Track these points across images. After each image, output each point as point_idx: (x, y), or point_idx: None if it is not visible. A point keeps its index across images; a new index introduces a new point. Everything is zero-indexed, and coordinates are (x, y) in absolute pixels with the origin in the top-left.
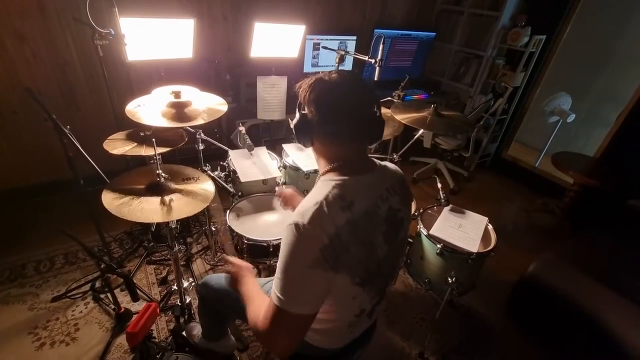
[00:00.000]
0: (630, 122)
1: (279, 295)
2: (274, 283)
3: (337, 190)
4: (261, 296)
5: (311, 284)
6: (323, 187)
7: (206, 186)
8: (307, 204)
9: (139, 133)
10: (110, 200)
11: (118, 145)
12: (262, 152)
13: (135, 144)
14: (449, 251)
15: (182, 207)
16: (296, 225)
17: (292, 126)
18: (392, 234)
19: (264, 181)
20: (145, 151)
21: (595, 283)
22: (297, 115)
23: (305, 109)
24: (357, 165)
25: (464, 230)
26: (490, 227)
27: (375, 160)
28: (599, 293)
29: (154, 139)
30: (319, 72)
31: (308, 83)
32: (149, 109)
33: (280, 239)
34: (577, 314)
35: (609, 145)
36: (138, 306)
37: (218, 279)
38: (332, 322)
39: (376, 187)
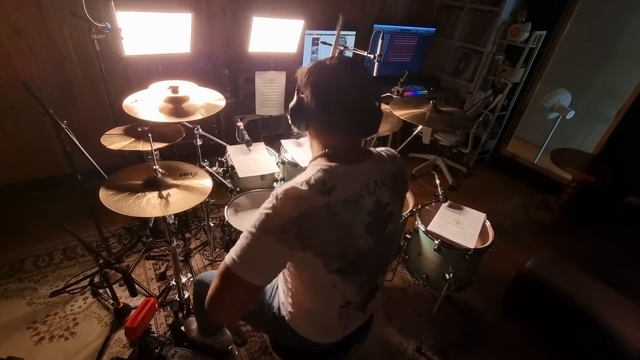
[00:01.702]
0: (630, 119)
1: (233, 256)
2: (233, 247)
3: (321, 174)
4: None
5: (267, 251)
6: (309, 170)
7: (203, 181)
8: (291, 182)
9: (136, 128)
10: (107, 195)
11: (115, 141)
12: (261, 148)
13: (133, 139)
14: (446, 247)
15: (179, 201)
16: (273, 195)
17: (289, 109)
18: (378, 227)
19: (262, 177)
20: (143, 146)
21: (593, 279)
22: (295, 98)
23: (303, 92)
24: (348, 154)
25: (461, 226)
26: (488, 223)
27: (372, 149)
28: (596, 289)
29: (150, 135)
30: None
31: (308, 66)
32: (147, 104)
33: None
34: (574, 309)
35: (607, 141)
36: (137, 301)
37: (212, 275)
38: (318, 313)
39: (363, 178)
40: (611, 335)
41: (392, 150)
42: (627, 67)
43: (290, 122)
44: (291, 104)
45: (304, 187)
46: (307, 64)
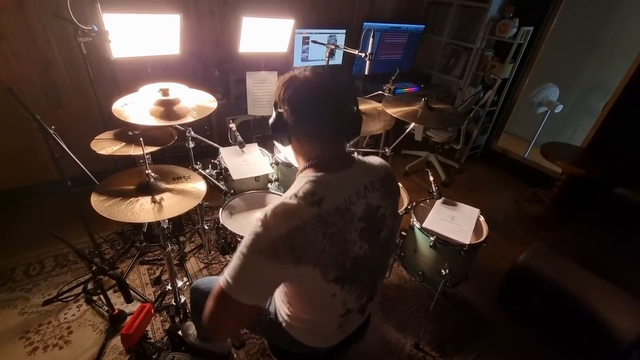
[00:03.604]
0: (616, 112)
1: (227, 279)
2: (227, 267)
3: (309, 186)
4: None
5: (260, 272)
6: (297, 184)
7: (197, 185)
8: (280, 199)
9: (127, 132)
10: (99, 201)
11: (106, 145)
12: (254, 149)
13: (124, 143)
14: (442, 243)
15: (172, 205)
16: (263, 215)
17: (269, 125)
18: (372, 232)
19: (257, 178)
20: (134, 151)
21: (584, 270)
22: (273, 114)
23: (281, 107)
24: (334, 163)
25: (456, 222)
26: (481, 218)
27: (356, 156)
28: (587, 280)
29: (142, 138)
30: (294, 69)
31: (282, 81)
32: (137, 107)
33: None
34: (566, 300)
35: (595, 134)
36: (132, 307)
37: (208, 282)
38: (319, 324)
39: (351, 185)
40: (603, 325)
41: (377, 157)
42: (612, 61)
43: (272, 138)
44: (270, 121)
45: (293, 201)
46: (281, 77)
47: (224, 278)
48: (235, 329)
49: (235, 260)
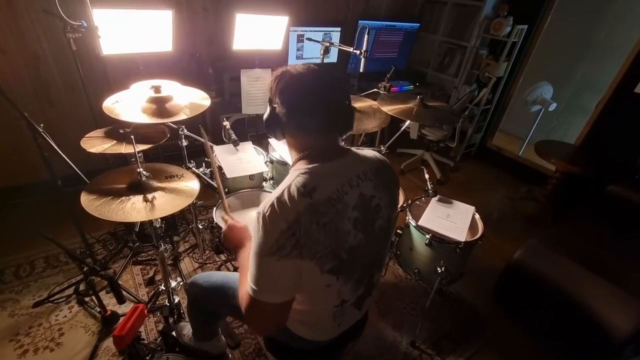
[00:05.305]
0: (609, 110)
1: (252, 285)
2: (249, 275)
3: (300, 178)
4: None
5: (276, 272)
6: (289, 177)
7: (190, 183)
8: (272, 194)
9: (118, 130)
10: (89, 200)
11: (96, 144)
12: (248, 147)
13: (115, 141)
14: (437, 241)
15: (165, 204)
16: (258, 214)
17: (263, 120)
18: (367, 222)
19: (251, 177)
20: (126, 149)
21: (578, 267)
22: (268, 109)
23: (274, 102)
24: (326, 153)
25: (452, 220)
26: (477, 216)
27: (351, 148)
28: (581, 276)
29: (133, 136)
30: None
31: (275, 75)
32: (128, 104)
33: None
34: (561, 297)
35: (588, 132)
36: (125, 308)
37: (206, 277)
38: (313, 314)
39: (343, 173)
40: (597, 321)
41: (373, 151)
42: (605, 59)
43: (267, 132)
44: (264, 115)
45: (285, 196)
46: (274, 72)
47: (249, 285)
48: (278, 325)
49: (250, 267)
